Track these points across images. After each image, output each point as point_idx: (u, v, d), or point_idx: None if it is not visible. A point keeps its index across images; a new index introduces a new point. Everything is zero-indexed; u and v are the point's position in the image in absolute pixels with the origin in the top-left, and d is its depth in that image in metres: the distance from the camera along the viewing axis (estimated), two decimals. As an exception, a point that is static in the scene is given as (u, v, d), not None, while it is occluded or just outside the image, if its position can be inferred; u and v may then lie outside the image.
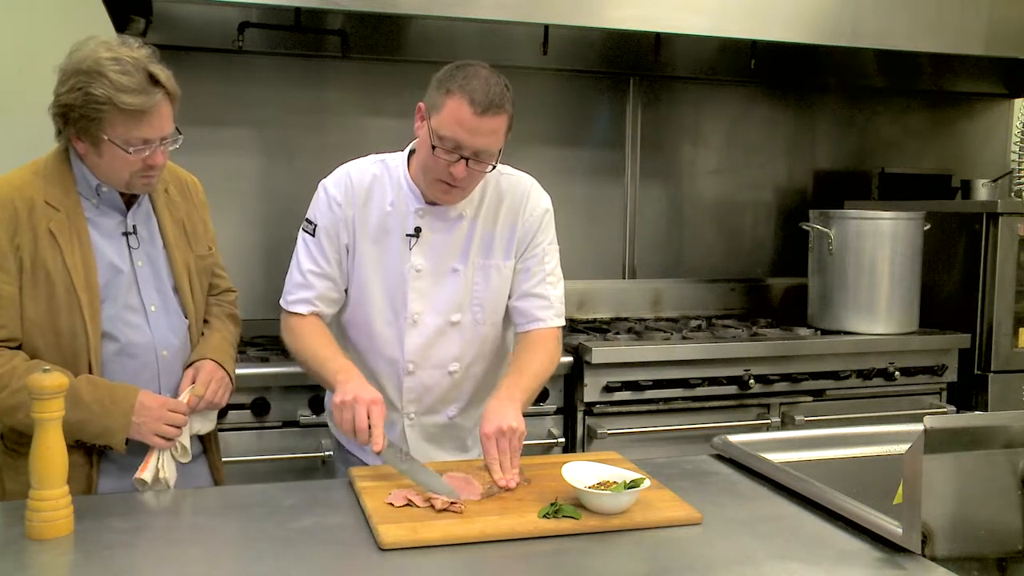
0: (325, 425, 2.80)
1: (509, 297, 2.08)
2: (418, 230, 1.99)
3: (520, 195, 2.06)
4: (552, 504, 1.63)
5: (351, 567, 1.45)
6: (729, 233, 4.00)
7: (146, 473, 1.80)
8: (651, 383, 3.04)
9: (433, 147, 1.87)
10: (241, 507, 1.71)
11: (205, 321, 2.05)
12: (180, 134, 1.86)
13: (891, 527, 1.50)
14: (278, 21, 3.27)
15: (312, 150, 3.43)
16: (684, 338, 3.22)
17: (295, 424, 2.79)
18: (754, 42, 3.55)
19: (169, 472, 1.85)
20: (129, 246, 1.89)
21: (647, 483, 1.65)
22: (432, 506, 1.62)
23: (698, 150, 3.95)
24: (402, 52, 3.46)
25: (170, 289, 1.95)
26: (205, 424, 1.97)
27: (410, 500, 1.64)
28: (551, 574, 1.48)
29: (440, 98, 1.87)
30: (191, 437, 1.91)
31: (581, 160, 3.76)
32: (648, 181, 3.85)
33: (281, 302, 2.10)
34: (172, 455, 1.86)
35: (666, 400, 3.10)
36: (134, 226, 1.90)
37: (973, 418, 2.11)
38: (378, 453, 1.77)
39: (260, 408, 2.76)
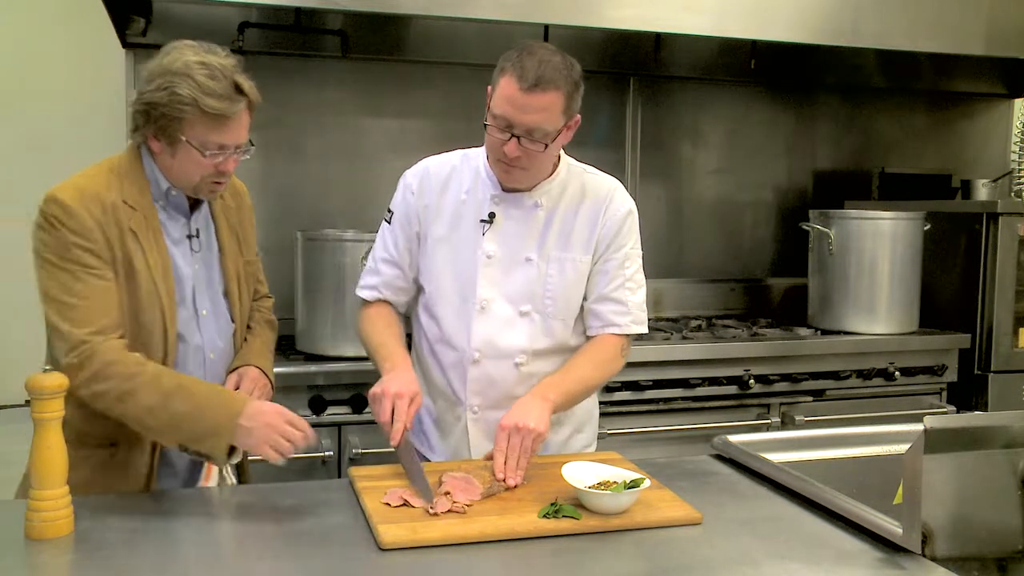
0: (325, 425, 2.81)
1: (585, 299, 2.04)
2: (492, 216, 1.99)
3: (604, 193, 2.05)
4: (552, 504, 1.63)
5: (351, 567, 1.45)
6: (729, 233, 4.00)
7: (211, 481, 1.86)
8: (651, 383, 3.05)
9: (485, 124, 1.89)
10: (241, 507, 1.71)
11: (247, 327, 2.08)
12: (252, 145, 1.88)
13: (891, 527, 1.50)
14: (278, 21, 3.27)
15: (312, 150, 3.43)
16: (684, 338, 3.22)
17: (295, 424, 2.79)
18: (754, 42, 3.55)
19: (229, 478, 1.92)
20: (192, 250, 1.92)
21: (647, 483, 1.65)
22: (430, 511, 1.61)
23: (698, 150, 3.95)
24: (402, 52, 3.46)
25: (220, 294, 1.98)
26: None
27: (405, 500, 1.64)
28: (551, 574, 1.48)
29: (496, 76, 1.88)
30: None
31: (581, 160, 3.75)
32: (648, 181, 3.85)
33: (356, 290, 2.14)
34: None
35: (666, 400, 3.10)
36: (197, 230, 1.93)
37: (973, 418, 2.11)
38: (394, 447, 1.79)
39: (260, 408, 2.75)
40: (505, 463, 1.76)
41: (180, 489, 1.92)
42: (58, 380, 1.49)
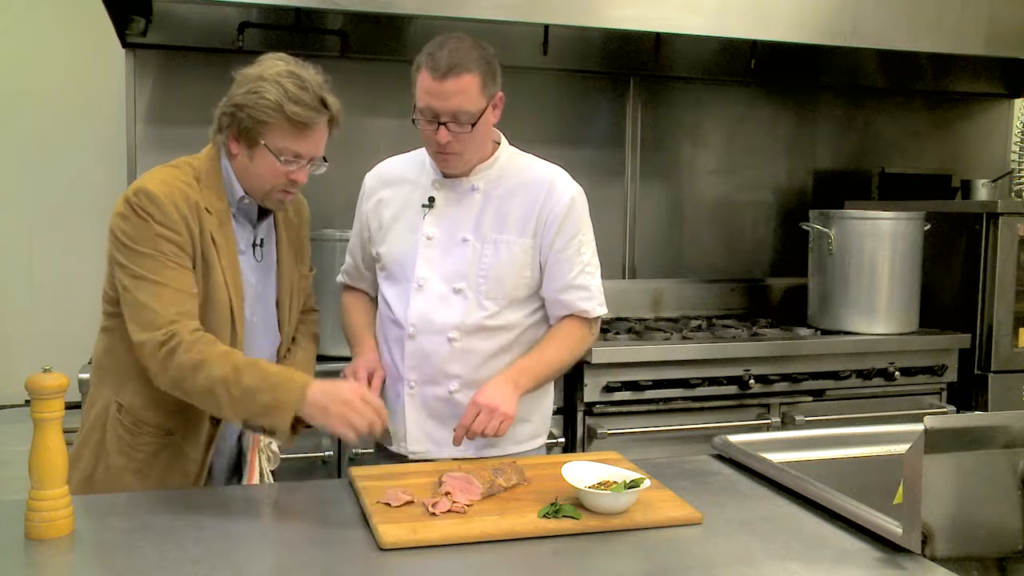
0: (325, 425, 2.81)
1: (547, 288, 2.09)
2: (432, 200, 2.08)
3: (543, 178, 2.09)
4: (552, 504, 1.63)
5: (351, 567, 1.45)
6: (729, 233, 4.00)
7: (254, 480, 1.94)
8: (651, 383, 3.05)
9: (413, 120, 1.99)
10: (241, 507, 1.71)
11: (292, 339, 2.13)
12: (325, 161, 1.94)
13: (891, 527, 1.50)
14: (278, 21, 3.27)
15: (312, 150, 3.42)
16: (684, 338, 3.22)
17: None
18: (754, 42, 3.55)
19: (268, 476, 1.99)
20: (255, 258, 1.98)
21: (647, 483, 1.65)
22: (430, 511, 1.61)
23: (698, 150, 3.95)
24: (402, 52, 3.46)
25: (273, 304, 2.04)
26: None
27: (408, 500, 1.64)
28: (551, 574, 1.48)
29: (414, 74, 1.98)
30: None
31: (581, 160, 3.75)
32: (648, 181, 3.85)
33: None
34: (268, 459, 1.99)
35: (666, 400, 3.10)
36: (261, 239, 2.00)
37: (973, 418, 2.11)
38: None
39: (260, 408, 2.76)
40: (466, 437, 1.90)
41: (180, 489, 1.92)
42: (58, 380, 1.49)
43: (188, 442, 1.92)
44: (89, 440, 1.93)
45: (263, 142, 1.85)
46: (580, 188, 2.12)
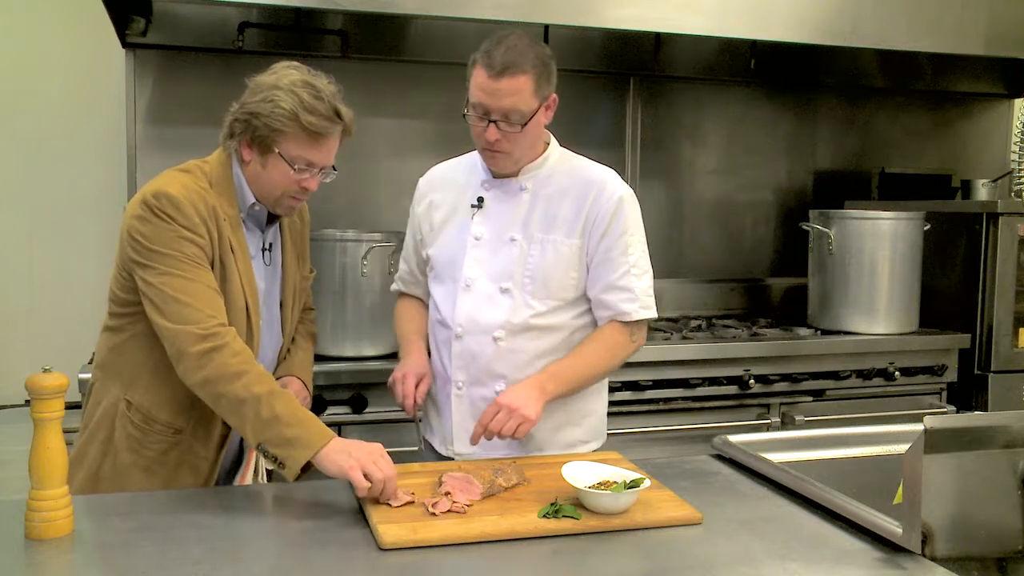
0: (326, 425, 2.81)
1: (592, 288, 2.06)
2: (481, 200, 2.09)
3: (593, 179, 2.07)
4: (552, 504, 1.63)
5: (351, 567, 1.45)
6: (729, 233, 4.00)
7: (247, 480, 1.94)
8: (651, 383, 3.05)
9: (464, 114, 1.99)
10: (241, 507, 1.71)
11: (292, 338, 2.15)
12: (335, 170, 1.96)
13: (891, 527, 1.50)
14: (278, 21, 3.27)
15: (312, 150, 3.42)
16: (684, 338, 3.22)
17: (295, 424, 2.79)
18: (754, 42, 3.55)
19: (263, 477, 1.99)
20: (264, 263, 2.00)
21: (647, 483, 1.65)
22: (430, 511, 1.61)
23: (698, 150, 3.95)
24: (402, 52, 3.46)
25: (277, 307, 2.06)
26: None
27: (408, 500, 1.64)
28: (551, 574, 1.48)
29: (469, 69, 1.98)
30: None
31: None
32: (648, 181, 3.85)
33: None
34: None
35: (666, 400, 3.10)
36: (270, 244, 2.02)
37: (973, 418, 2.11)
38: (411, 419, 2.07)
39: (260, 408, 2.76)
40: (483, 436, 1.89)
41: (180, 489, 1.93)
42: (58, 380, 1.49)
43: (199, 441, 1.93)
44: (95, 437, 1.93)
45: (277, 150, 1.86)
46: (631, 190, 2.10)
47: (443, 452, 2.10)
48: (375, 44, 3.39)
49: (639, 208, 2.09)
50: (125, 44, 3.18)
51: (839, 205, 3.80)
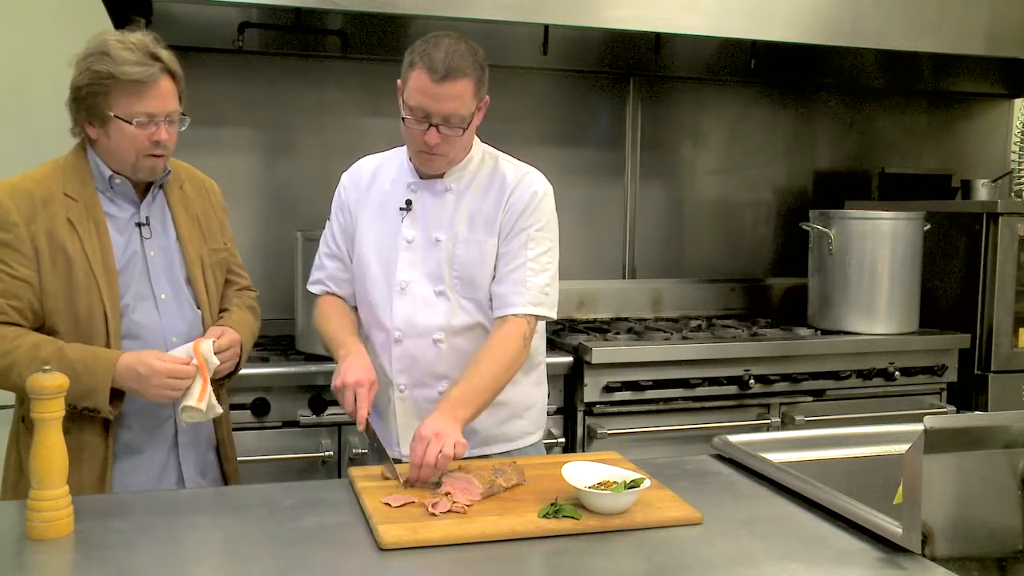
0: (325, 425, 2.81)
1: (493, 283, 2.07)
2: (409, 203, 2.08)
3: (514, 177, 2.09)
4: (552, 504, 1.63)
5: (351, 567, 1.45)
6: (729, 233, 4.00)
7: (202, 403, 1.88)
8: (651, 383, 3.04)
9: (403, 118, 1.97)
10: (241, 507, 1.71)
11: (224, 310, 2.12)
12: (184, 116, 1.96)
13: (891, 527, 1.50)
14: (278, 21, 3.27)
15: (312, 150, 3.43)
16: (684, 338, 3.22)
17: (295, 424, 2.79)
18: (754, 42, 3.55)
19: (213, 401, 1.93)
20: (142, 236, 1.98)
21: (647, 483, 1.65)
22: (430, 511, 1.61)
23: (698, 150, 3.95)
24: (402, 52, 3.42)
25: (183, 280, 2.03)
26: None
27: (408, 500, 1.64)
28: (551, 574, 1.48)
29: (406, 71, 1.97)
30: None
31: (581, 160, 3.76)
32: (648, 181, 3.85)
33: (307, 286, 2.25)
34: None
35: (666, 400, 3.10)
36: (147, 217, 2.00)
37: (973, 418, 2.11)
38: (362, 431, 1.91)
39: (260, 408, 2.76)
40: (420, 469, 1.74)
41: (180, 490, 1.92)
42: (58, 380, 1.49)
43: (85, 433, 1.89)
44: (9, 459, 1.98)
45: (111, 113, 1.87)
46: (550, 187, 2.10)
47: (391, 455, 2.02)
48: (375, 44, 3.38)
49: (553, 205, 2.10)
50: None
51: (839, 205, 3.80)
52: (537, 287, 2.02)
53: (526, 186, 2.07)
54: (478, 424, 2.02)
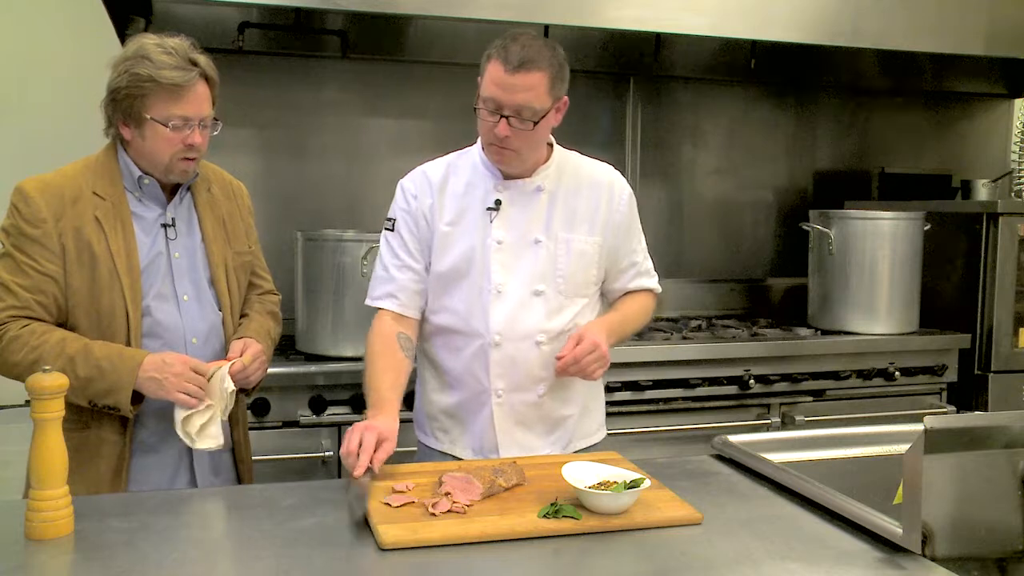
0: (325, 425, 2.81)
1: (620, 279, 2.18)
2: (498, 203, 2.05)
3: (604, 177, 2.14)
4: (552, 504, 1.63)
5: (351, 567, 1.45)
6: (729, 233, 4.00)
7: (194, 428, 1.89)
8: (651, 383, 3.05)
9: (475, 109, 1.98)
10: (241, 507, 1.71)
11: (244, 315, 2.13)
12: (217, 120, 1.99)
13: (891, 527, 1.50)
14: (278, 21, 3.27)
15: (312, 150, 3.43)
16: (684, 338, 3.22)
17: (295, 424, 2.79)
18: (754, 42, 3.55)
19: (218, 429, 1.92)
20: (167, 237, 2.00)
21: (647, 483, 1.65)
22: (430, 511, 1.61)
23: (698, 150, 3.95)
24: (402, 52, 3.46)
25: (206, 281, 2.04)
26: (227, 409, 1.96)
27: (408, 501, 1.64)
28: (551, 574, 1.48)
29: (484, 63, 1.97)
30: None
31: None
32: (648, 181, 3.85)
33: (367, 301, 2.12)
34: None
35: (666, 400, 3.10)
36: (173, 218, 2.01)
37: (973, 418, 2.11)
38: (355, 478, 1.73)
39: (260, 408, 2.76)
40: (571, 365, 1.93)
41: (180, 490, 1.92)
42: (58, 380, 1.49)
43: (104, 430, 1.92)
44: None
45: (147, 116, 1.89)
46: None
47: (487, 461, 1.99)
48: (375, 44, 3.39)
49: None
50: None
51: (839, 205, 3.80)
52: (653, 270, 2.24)
53: (622, 189, 2.15)
54: (569, 422, 2.13)
